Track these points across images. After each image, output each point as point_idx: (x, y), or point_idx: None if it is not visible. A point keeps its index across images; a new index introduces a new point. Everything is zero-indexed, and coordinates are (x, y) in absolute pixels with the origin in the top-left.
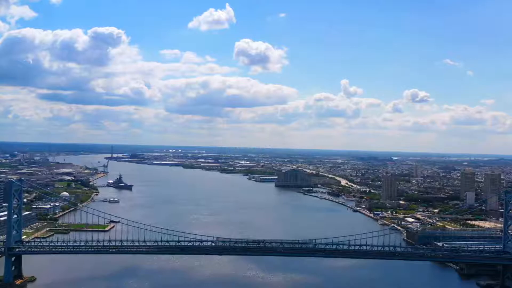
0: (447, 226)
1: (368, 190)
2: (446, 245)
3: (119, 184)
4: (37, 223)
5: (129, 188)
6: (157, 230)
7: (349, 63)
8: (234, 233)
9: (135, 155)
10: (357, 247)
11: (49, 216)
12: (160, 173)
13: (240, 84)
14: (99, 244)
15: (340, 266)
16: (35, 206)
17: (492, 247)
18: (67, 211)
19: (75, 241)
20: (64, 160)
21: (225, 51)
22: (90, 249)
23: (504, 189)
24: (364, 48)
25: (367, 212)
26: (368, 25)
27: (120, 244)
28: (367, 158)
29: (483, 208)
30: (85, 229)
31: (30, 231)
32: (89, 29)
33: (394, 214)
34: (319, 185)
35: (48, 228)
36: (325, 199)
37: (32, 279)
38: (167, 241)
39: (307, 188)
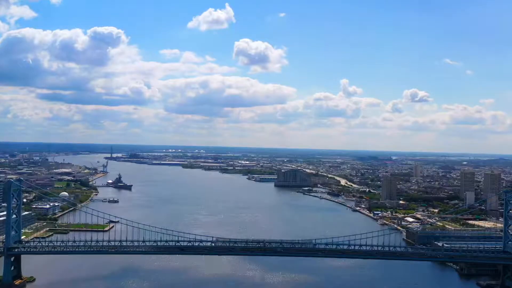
0: (447, 226)
1: (367, 190)
2: (446, 245)
3: (118, 184)
4: (36, 223)
5: (128, 188)
6: (157, 230)
7: (348, 63)
8: (233, 233)
9: (135, 155)
10: (357, 247)
11: (48, 216)
12: (160, 173)
13: (239, 84)
14: (98, 244)
15: (340, 266)
16: (34, 206)
17: (492, 247)
18: (67, 211)
19: (74, 241)
20: (64, 160)
21: (225, 51)
22: (89, 249)
23: (504, 188)
24: (364, 48)
25: (366, 212)
26: (368, 24)
27: (119, 244)
28: (367, 158)
29: (483, 208)
30: (84, 229)
31: (30, 231)
32: (89, 29)
33: (394, 214)
34: (318, 185)
35: (47, 228)
36: (325, 199)
37: (31, 280)
38: (166, 241)
39: (306, 188)
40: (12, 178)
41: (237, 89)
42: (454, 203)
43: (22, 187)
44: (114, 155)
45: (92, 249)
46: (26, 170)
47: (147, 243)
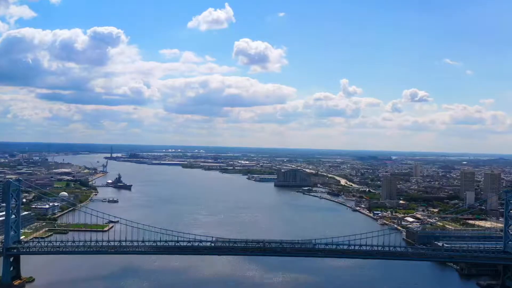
0: (447, 226)
1: (367, 189)
2: (446, 245)
3: (118, 184)
4: (36, 223)
5: (128, 188)
6: (156, 230)
7: (348, 63)
8: (233, 233)
9: (134, 155)
10: (357, 247)
11: (48, 216)
12: (160, 173)
13: (239, 84)
14: (98, 244)
15: (340, 266)
16: (34, 206)
17: (492, 247)
18: (66, 211)
19: (73, 242)
20: (63, 160)
21: (225, 50)
22: (89, 250)
23: (504, 188)
24: (364, 48)
25: (366, 212)
26: (368, 24)
27: (119, 244)
28: (367, 158)
29: (483, 207)
30: (84, 229)
31: (29, 231)
32: (89, 29)
33: (393, 214)
34: (318, 185)
35: (47, 228)
36: (325, 198)
37: (31, 280)
38: (166, 241)
39: (306, 188)
40: (11, 178)
41: (237, 89)
42: (454, 203)
43: (21, 187)
44: (114, 155)
45: (91, 249)
46: (26, 170)
47: (147, 243)
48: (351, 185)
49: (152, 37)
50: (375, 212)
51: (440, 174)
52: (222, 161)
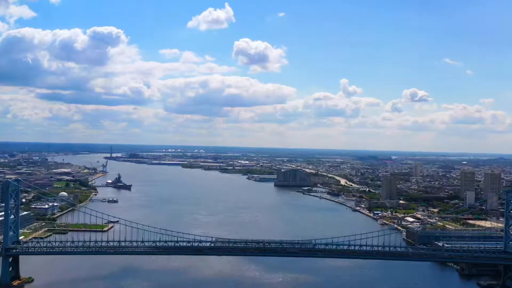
0: (447, 226)
1: (367, 189)
2: (446, 245)
3: (118, 184)
4: (35, 223)
5: (128, 188)
6: (156, 231)
7: (348, 62)
8: (233, 233)
9: (134, 155)
10: (357, 247)
11: (47, 216)
12: (159, 173)
13: (239, 84)
14: (97, 244)
15: (340, 266)
16: (33, 206)
17: (492, 247)
18: (66, 211)
19: (73, 242)
20: (63, 160)
21: (224, 50)
22: (88, 250)
23: (504, 188)
24: (363, 48)
25: (366, 212)
26: (368, 24)
27: (118, 244)
28: (367, 158)
29: (483, 207)
30: (83, 229)
31: (28, 231)
32: (88, 28)
33: (394, 214)
34: (318, 185)
35: (46, 229)
36: (325, 198)
37: (30, 280)
38: (165, 241)
39: (306, 188)
40: (10, 178)
41: (236, 88)
42: (454, 202)
43: (21, 187)
44: (114, 155)
45: (91, 250)
46: (26, 170)
47: (146, 244)
48: (351, 185)
49: (152, 37)
50: (375, 212)
51: (440, 174)
52: (222, 161)
